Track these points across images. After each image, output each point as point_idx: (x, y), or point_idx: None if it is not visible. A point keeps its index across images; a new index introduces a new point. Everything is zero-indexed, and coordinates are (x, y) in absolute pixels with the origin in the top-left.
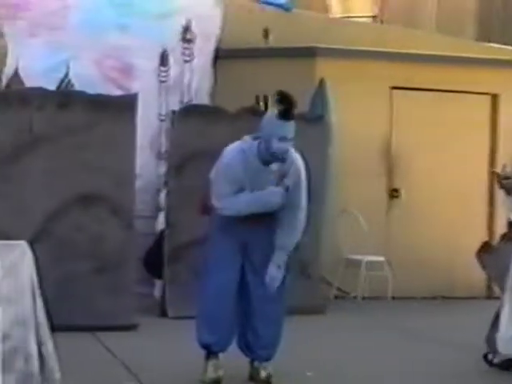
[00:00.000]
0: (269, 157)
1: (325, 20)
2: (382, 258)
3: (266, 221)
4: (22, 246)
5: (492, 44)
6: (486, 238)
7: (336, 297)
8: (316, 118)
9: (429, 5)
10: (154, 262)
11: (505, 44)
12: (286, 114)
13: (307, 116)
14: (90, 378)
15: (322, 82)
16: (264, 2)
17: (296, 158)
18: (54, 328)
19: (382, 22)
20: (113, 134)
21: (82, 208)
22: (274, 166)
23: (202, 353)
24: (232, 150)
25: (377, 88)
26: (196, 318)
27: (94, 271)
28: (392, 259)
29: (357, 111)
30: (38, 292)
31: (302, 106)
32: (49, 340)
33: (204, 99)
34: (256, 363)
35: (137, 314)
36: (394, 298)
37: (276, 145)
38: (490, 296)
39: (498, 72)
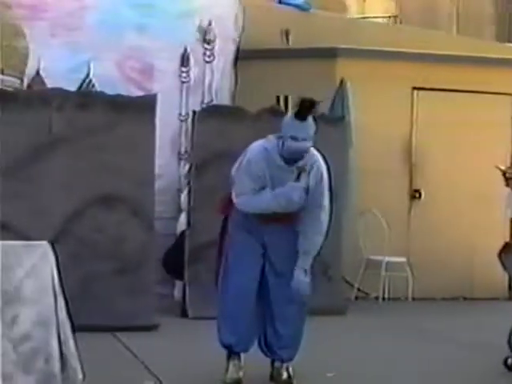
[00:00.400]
0: (286, 155)
1: (343, 20)
2: (402, 259)
3: (287, 221)
4: (44, 246)
5: (511, 44)
6: (507, 239)
7: (357, 298)
8: (336, 119)
9: (447, 5)
10: (172, 262)
11: None
12: (298, 114)
13: (328, 117)
14: (110, 378)
15: (342, 83)
16: (282, 3)
17: (318, 158)
18: (74, 328)
19: (400, 22)
20: (132, 134)
21: (103, 209)
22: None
23: (223, 353)
24: (255, 147)
25: (398, 88)
26: (217, 318)
27: (114, 272)
28: (413, 260)
29: (378, 112)
30: (59, 292)
31: (322, 106)
32: (70, 340)
33: (225, 100)
34: (277, 363)
35: (157, 314)
36: (414, 298)
37: (289, 143)
38: (511, 297)
39: None
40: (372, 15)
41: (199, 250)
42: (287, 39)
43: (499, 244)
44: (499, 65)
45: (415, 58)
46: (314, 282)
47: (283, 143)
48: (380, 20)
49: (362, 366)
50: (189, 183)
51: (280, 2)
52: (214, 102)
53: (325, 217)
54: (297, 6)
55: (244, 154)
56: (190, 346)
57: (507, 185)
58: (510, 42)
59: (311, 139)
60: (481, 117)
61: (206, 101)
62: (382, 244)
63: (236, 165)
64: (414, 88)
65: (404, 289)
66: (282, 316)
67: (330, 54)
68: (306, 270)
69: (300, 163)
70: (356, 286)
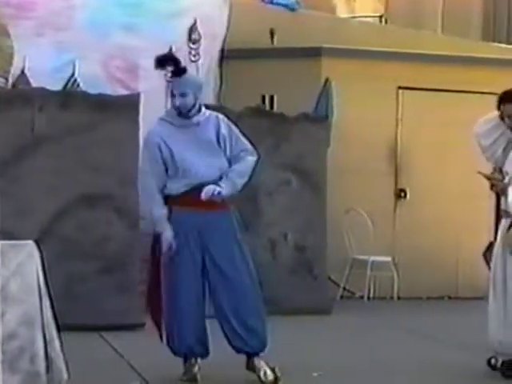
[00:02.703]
0: (177, 113)
1: (330, 20)
2: (388, 258)
3: (218, 205)
4: (30, 245)
5: (498, 44)
6: (492, 239)
7: (342, 297)
8: (320, 118)
9: (434, 5)
10: None
11: (510, 43)
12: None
13: (311, 116)
14: (96, 378)
15: (327, 82)
16: (269, 2)
17: (216, 113)
18: (60, 328)
19: (387, 21)
20: (116, 133)
21: (86, 208)
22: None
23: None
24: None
25: (383, 88)
26: (166, 329)
27: (99, 271)
28: (398, 259)
29: (363, 111)
30: (44, 292)
31: (307, 106)
32: (56, 340)
33: (210, 99)
34: (255, 360)
35: (143, 313)
36: (399, 298)
37: (174, 101)
38: None
39: (504, 72)
40: (359, 15)
41: None
42: (272, 38)
43: (484, 243)
44: (485, 64)
45: (401, 58)
46: (299, 282)
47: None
48: (367, 19)
49: (348, 365)
50: None
51: (270, 2)
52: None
53: (252, 158)
54: (285, 6)
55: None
56: None
57: (491, 188)
58: (495, 41)
59: (192, 93)
60: (466, 116)
61: None
62: (367, 243)
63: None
64: (400, 87)
65: (389, 288)
66: (231, 307)
67: (315, 54)
68: (220, 186)
69: (194, 119)
70: (342, 285)
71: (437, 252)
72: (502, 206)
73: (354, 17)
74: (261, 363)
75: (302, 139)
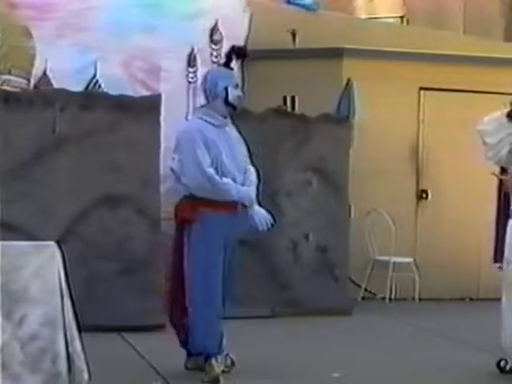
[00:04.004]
0: (235, 103)
1: (351, 21)
2: (409, 259)
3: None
4: (52, 246)
5: None
6: None
7: (363, 298)
8: (342, 119)
9: (455, 5)
10: None
11: None
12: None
13: (333, 117)
14: (116, 378)
15: (348, 82)
16: (290, 3)
17: None
18: (80, 329)
19: (408, 22)
20: (137, 134)
21: (108, 209)
22: None
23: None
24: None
25: (405, 89)
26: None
27: (120, 272)
28: (419, 260)
29: (385, 112)
30: (66, 293)
31: (329, 106)
32: (77, 340)
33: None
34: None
35: (163, 314)
36: (421, 299)
37: (234, 91)
38: None
39: None
40: (379, 15)
41: None
42: (294, 39)
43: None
44: (507, 65)
45: (422, 58)
46: (321, 283)
47: (227, 94)
48: (387, 20)
49: (368, 366)
50: None
51: (289, 3)
52: None
53: None
54: (304, 6)
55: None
56: None
57: (505, 188)
58: None
59: None
60: None
61: None
62: (388, 244)
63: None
64: (421, 88)
65: (411, 289)
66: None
67: (336, 55)
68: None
69: (228, 118)
70: (363, 286)
71: (458, 253)
72: None
73: (375, 18)
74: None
75: (323, 140)
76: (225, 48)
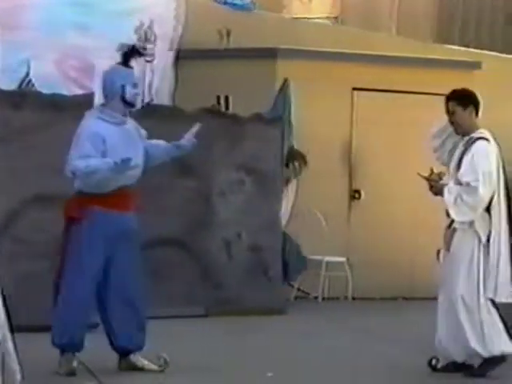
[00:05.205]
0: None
1: (286, 21)
2: (342, 259)
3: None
4: None
5: (451, 45)
6: None
7: (296, 297)
8: (274, 118)
9: (389, 6)
10: None
11: (464, 45)
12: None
13: (265, 116)
14: (50, 378)
15: (285, 82)
16: (224, 3)
17: None
18: (13, 329)
19: (341, 22)
20: (69, 133)
21: (40, 208)
22: None
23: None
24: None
25: (338, 89)
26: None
27: (52, 271)
28: (352, 260)
29: (318, 112)
30: None
31: (263, 106)
32: (9, 341)
33: (165, 99)
34: (134, 357)
35: (96, 313)
36: (354, 298)
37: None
38: None
39: (457, 73)
40: (313, 16)
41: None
42: (228, 39)
43: (438, 243)
44: (438, 66)
45: (355, 59)
46: (253, 282)
47: (124, 92)
48: (321, 21)
49: (302, 365)
50: None
51: (225, 3)
52: (154, 102)
53: None
54: (240, 7)
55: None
56: None
57: (430, 189)
58: (449, 42)
59: None
60: (420, 117)
61: (146, 100)
62: (321, 244)
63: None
64: (354, 88)
65: (344, 288)
66: (129, 307)
67: (270, 55)
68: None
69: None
70: (296, 285)
71: (391, 252)
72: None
73: (309, 18)
74: (138, 357)
75: (255, 140)
76: (158, 47)
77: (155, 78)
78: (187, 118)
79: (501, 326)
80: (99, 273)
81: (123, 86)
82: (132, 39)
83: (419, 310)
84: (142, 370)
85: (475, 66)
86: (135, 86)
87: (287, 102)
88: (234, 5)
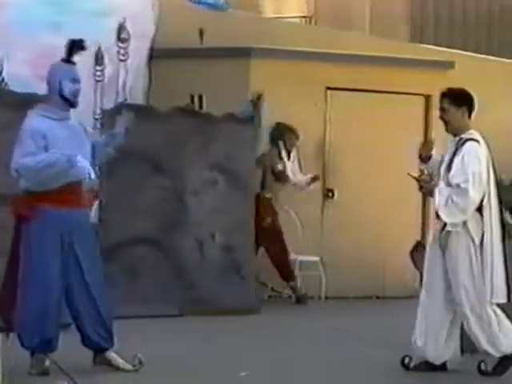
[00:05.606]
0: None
1: (259, 20)
2: (315, 258)
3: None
4: None
5: (424, 45)
6: (418, 238)
7: (270, 297)
8: (247, 119)
9: (362, 6)
10: None
11: (437, 45)
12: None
13: (238, 116)
14: (22, 378)
15: (259, 97)
16: (198, 2)
17: None
18: None
19: (315, 22)
20: None
21: (3, 207)
22: None
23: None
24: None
25: (312, 88)
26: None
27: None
28: (326, 259)
29: (292, 112)
30: None
31: (236, 106)
32: None
33: (139, 99)
34: (108, 354)
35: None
36: (327, 297)
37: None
38: None
39: (430, 73)
40: (287, 15)
41: (112, 249)
42: (201, 38)
43: (411, 243)
44: (412, 65)
45: (328, 59)
46: (226, 281)
47: (61, 88)
48: (295, 20)
49: (276, 364)
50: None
51: (199, 2)
52: (128, 101)
53: None
54: (214, 6)
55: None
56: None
57: (420, 190)
58: (422, 42)
59: None
60: (394, 117)
61: (119, 100)
62: (295, 243)
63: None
64: (328, 88)
65: (317, 288)
66: (95, 306)
67: (244, 54)
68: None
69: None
70: (269, 285)
71: (364, 252)
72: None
73: (283, 17)
74: (114, 355)
75: (228, 139)
76: (132, 46)
77: (129, 77)
78: (161, 117)
79: (508, 324)
80: (60, 271)
81: (61, 82)
82: (106, 38)
83: (392, 308)
84: (117, 368)
85: (448, 65)
86: (75, 81)
87: (256, 118)
88: (209, 4)
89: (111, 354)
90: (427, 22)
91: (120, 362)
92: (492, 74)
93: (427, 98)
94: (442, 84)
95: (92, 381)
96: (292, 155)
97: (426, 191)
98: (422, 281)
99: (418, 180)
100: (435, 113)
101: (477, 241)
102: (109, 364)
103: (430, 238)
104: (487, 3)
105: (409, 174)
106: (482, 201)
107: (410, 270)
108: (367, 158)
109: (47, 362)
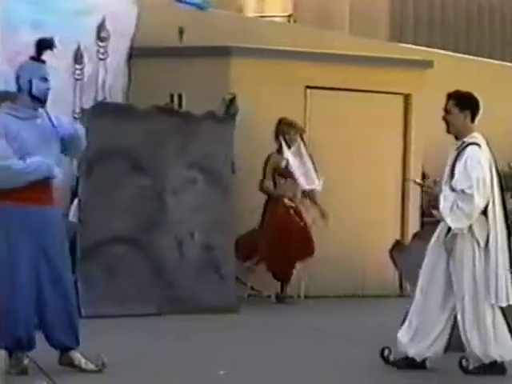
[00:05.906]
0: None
1: (240, 19)
2: None
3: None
4: None
5: (404, 44)
6: (398, 237)
7: (249, 296)
8: (227, 117)
9: (342, 5)
10: None
11: (416, 44)
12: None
13: (218, 115)
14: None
15: (232, 99)
16: (179, 1)
17: None
18: None
19: (295, 21)
20: None
21: None
22: None
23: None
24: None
25: (291, 87)
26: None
27: None
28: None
29: (271, 110)
30: None
31: (216, 105)
32: None
33: (118, 97)
34: (73, 354)
35: None
36: (306, 297)
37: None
38: (402, 294)
39: (410, 72)
40: (267, 14)
41: (91, 248)
42: (181, 37)
43: (390, 241)
44: (391, 64)
45: (308, 58)
46: (205, 280)
47: (31, 87)
48: (275, 19)
49: (255, 363)
50: (77, 181)
51: (179, 1)
52: (108, 100)
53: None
54: (195, 5)
55: None
56: (85, 344)
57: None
58: (402, 41)
59: None
60: (373, 116)
61: (99, 98)
62: None
63: None
64: (308, 87)
65: (297, 287)
66: (64, 305)
67: (224, 53)
68: None
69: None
70: (249, 284)
71: (343, 251)
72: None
73: (263, 16)
74: (78, 355)
75: (208, 138)
76: (112, 45)
77: (109, 76)
78: (141, 115)
79: (505, 332)
80: (28, 269)
81: (30, 81)
82: (86, 37)
83: (371, 307)
84: (80, 369)
85: (427, 64)
86: (44, 80)
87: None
88: (190, 3)
89: (74, 353)
90: (407, 21)
91: (82, 361)
92: (470, 74)
93: (406, 96)
94: (420, 83)
95: (73, 381)
96: (292, 150)
97: (430, 197)
98: (401, 280)
99: (421, 186)
100: (414, 111)
101: (482, 243)
102: (72, 364)
103: (432, 240)
104: (465, 3)
105: (413, 180)
106: (486, 204)
107: (389, 268)
108: (347, 157)
109: (26, 361)
